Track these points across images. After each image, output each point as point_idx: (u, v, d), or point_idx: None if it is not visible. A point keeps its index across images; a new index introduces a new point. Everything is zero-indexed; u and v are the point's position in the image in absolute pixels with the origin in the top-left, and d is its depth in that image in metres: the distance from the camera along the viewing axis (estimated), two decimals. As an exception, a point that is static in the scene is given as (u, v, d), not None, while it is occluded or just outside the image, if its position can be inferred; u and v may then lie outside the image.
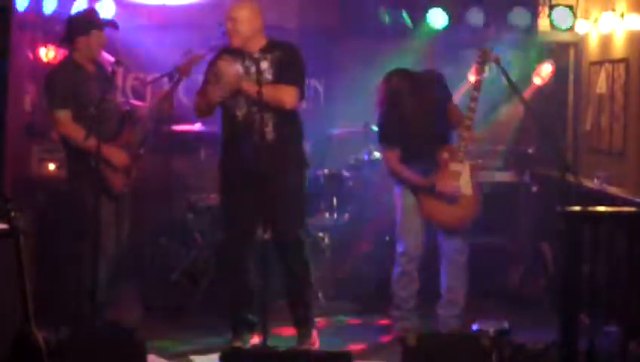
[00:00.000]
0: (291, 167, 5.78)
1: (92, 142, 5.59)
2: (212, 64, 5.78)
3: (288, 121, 5.75)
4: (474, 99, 5.97)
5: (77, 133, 5.79)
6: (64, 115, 5.84)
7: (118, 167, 5.90)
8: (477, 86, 6.00)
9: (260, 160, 5.49)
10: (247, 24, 5.67)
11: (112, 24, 6.12)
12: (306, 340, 5.86)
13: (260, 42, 5.74)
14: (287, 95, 5.65)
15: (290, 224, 5.78)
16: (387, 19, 7.84)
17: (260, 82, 5.47)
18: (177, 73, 6.00)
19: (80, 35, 5.93)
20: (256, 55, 5.66)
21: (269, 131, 5.65)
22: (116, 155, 5.89)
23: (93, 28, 5.95)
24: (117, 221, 6.02)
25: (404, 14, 7.82)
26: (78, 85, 5.87)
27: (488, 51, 6.08)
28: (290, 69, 5.71)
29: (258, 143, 5.52)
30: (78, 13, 6.22)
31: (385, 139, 6.21)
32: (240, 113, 5.70)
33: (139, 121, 6.16)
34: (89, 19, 6.04)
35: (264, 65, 5.67)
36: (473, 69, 6.08)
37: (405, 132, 6.09)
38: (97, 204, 5.52)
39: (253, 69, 5.63)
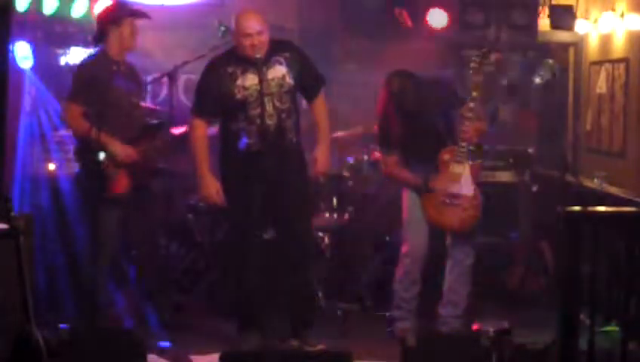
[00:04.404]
0: (305, 168, 5.86)
1: (96, 133, 5.65)
2: (214, 67, 5.74)
3: (299, 123, 5.83)
4: (473, 100, 5.97)
5: (83, 126, 5.78)
6: (75, 108, 5.81)
7: (124, 162, 5.84)
8: (475, 87, 5.99)
9: (285, 164, 5.65)
10: (266, 34, 5.66)
11: (143, 14, 6.08)
12: (309, 341, 5.84)
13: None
14: (325, 110, 5.88)
15: (304, 223, 5.86)
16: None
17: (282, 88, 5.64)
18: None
19: (112, 27, 5.91)
20: (269, 59, 5.67)
21: (293, 136, 5.74)
22: (122, 149, 5.83)
23: (125, 16, 5.93)
24: (125, 224, 5.99)
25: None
26: (105, 81, 5.83)
27: (487, 52, 6.09)
28: (310, 75, 5.80)
29: (289, 149, 5.67)
30: (107, 7, 6.17)
31: (384, 143, 6.20)
32: (272, 122, 5.66)
33: (161, 136, 6.13)
34: (119, 9, 6.01)
35: (282, 70, 5.69)
36: (472, 70, 6.07)
37: (408, 133, 6.08)
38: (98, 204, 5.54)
39: (270, 74, 5.65)
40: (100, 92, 5.79)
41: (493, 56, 5.95)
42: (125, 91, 5.85)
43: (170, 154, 6.26)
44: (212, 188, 5.73)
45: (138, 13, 6.03)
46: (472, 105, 5.96)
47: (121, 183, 5.87)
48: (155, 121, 6.20)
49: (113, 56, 5.91)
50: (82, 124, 5.81)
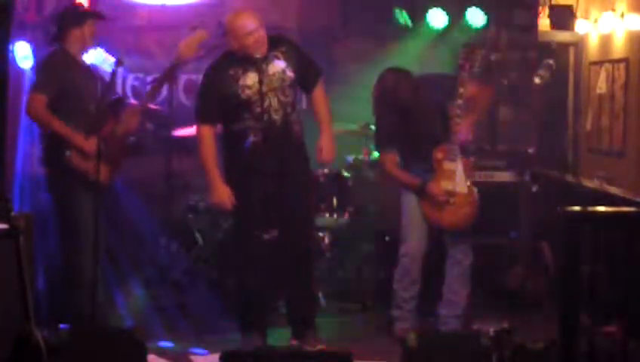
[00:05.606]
0: (308, 162, 5.88)
1: (60, 125, 5.67)
2: (215, 71, 5.75)
3: (300, 116, 5.85)
4: (460, 96, 5.97)
5: (49, 118, 5.78)
6: (40, 99, 5.80)
7: (90, 153, 5.74)
8: (462, 84, 5.99)
9: (290, 160, 5.66)
10: (263, 29, 5.66)
11: (101, 15, 6.12)
12: (309, 341, 5.84)
13: None
14: (325, 100, 5.88)
15: (306, 222, 5.89)
16: (402, 19, 7.85)
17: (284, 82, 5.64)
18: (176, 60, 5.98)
19: (74, 27, 5.94)
20: (267, 55, 5.66)
21: (298, 130, 5.75)
22: (86, 141, 5.78)
23: (88, 18, 5.97)
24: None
25: (404, 14, 7.84)
26: (70, 75, 5.85)
27: (474, 49, 6.08)
28: (307, 65, 5.81)
29: (294, 141, 5.69)
30: (69, 8, 6.22)
31: (381, 142, 6.20)
32: (278, 116, 5.68)
33: (125, 113, 6.10)
34: (81, 10, 6.05)
35: (281, 64, 5.70)
36: (459, 67, 6.06)
37: (404, 132, 6.09)
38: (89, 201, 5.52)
39: (270, 70, 5.66)
40: (63, 86, 5.81)
41: (493, 56, 5.93)
42: (86, 86, 5.87)
43: (140, 123, 6.20)
44: (224, 195, 5.72)
45: (99, 15, 6.08)
46: (460, 101, 5.96)
47: (102, 172, 5.81)
48: (111, 98, 6.19)
49: (73, 55, 5.96)
50: (47, 114, 5.79)
